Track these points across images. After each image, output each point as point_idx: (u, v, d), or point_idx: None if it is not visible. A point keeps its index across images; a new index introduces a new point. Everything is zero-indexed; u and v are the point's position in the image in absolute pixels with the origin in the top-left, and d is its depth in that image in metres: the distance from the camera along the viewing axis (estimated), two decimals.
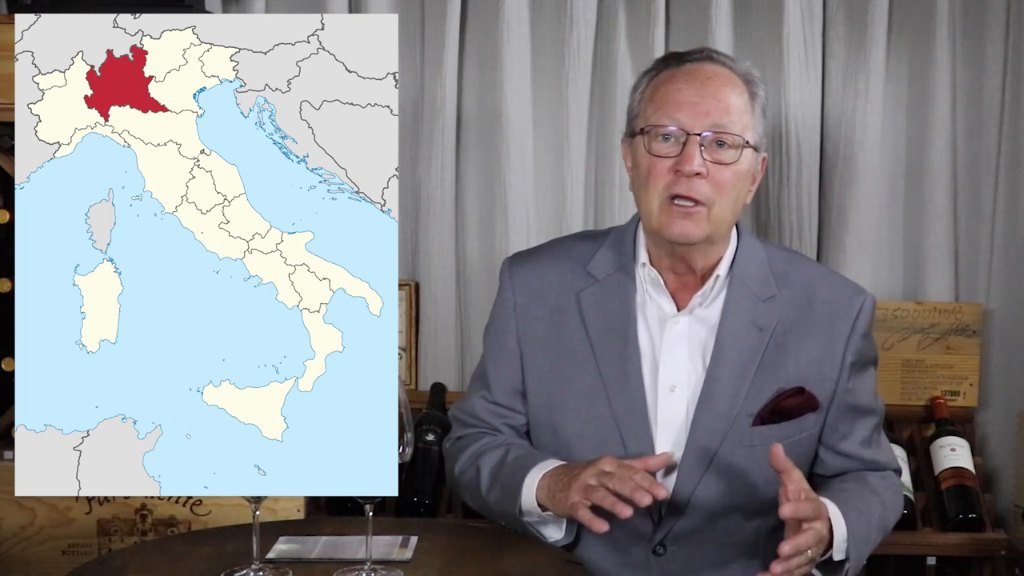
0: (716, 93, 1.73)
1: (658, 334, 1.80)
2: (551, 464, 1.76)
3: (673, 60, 1.79)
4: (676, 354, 1.78)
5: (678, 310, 1.80)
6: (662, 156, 1.73)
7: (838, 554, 1.68)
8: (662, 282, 1.80)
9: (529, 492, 1.74)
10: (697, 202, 1.71)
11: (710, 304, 1.80)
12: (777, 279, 1.82)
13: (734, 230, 1.83)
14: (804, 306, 1.80)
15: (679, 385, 1.78)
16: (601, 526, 1.63)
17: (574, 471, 1.69)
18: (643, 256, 1.82)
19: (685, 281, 1.81)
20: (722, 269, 1.80)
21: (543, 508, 1.73)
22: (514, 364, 1.87)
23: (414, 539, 1.72)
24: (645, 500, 1.61)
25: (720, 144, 1.72)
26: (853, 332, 1.80)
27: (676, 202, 1.72)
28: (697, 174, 1.70)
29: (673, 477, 1.76)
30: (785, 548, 1.58)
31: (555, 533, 1.77)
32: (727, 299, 1.79)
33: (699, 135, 1.70)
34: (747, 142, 1.73)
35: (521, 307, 1.87)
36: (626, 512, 1.61)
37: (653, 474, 1.69)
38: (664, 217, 1.73)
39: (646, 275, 1.81)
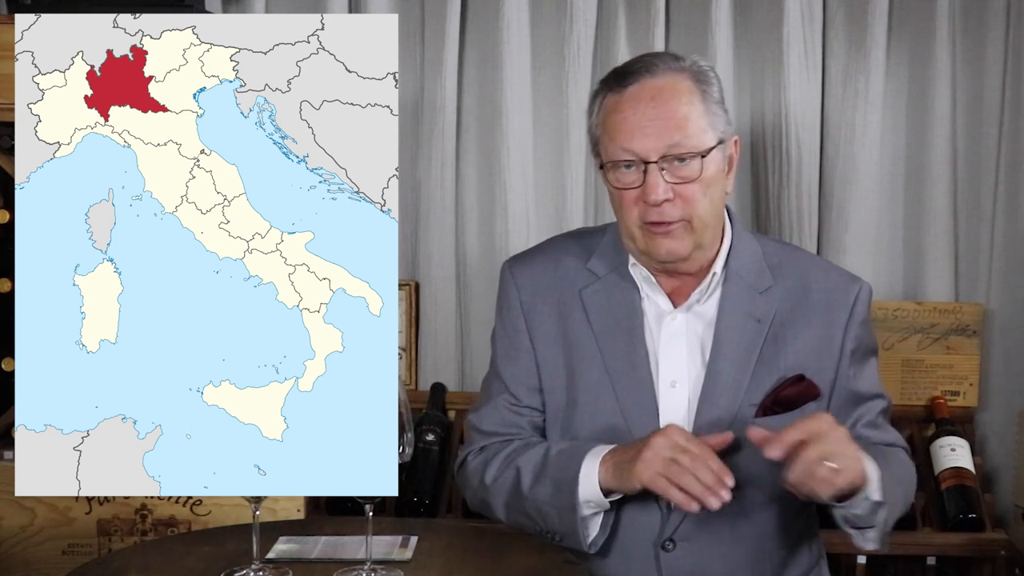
0: (663, 111, 1.70)
1: (656, 331, 1.80)
2: (605, 448, 1.74)
3: (615, 82, 1.75)
4: (675, 350, 1.79)
5: (674, 306, 1.81)
6: (627, 188, 1.73)
7: (876, 493, 1.64)
8: (654, 280, 1.81)
9: (589, 478, 1.71)
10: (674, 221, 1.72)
11: (707, 300, 1.80)
12: (772, 271, 1.82)
13: (727, 225, 1.83)
14: (800, 296, 1.80)
15: (679, 381, 1.78)
16: (693, 507, 1.63)
17: (639, 445, 1.68)
18: (632, 258, 1.82)
19: (680, 279, 1.81)
20: (718, 265, 1.80)
21: (606, 493, 1.71)
22: (530, 363, 1.86)
23: (414, 539, 1.72)
24: (714, 504, 1.62)
25: (681, 160, 1.70)
26: (851, 320, 1.79)
27: (654, 224, 1.73)
28: (665, 200, 1.70)
29: None
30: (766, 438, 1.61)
31: (593, 530, 1.75)
32: (724, 293, 1.80)
33: (656, 161, 1.70)
34: (707, 151, 1.71)
35: (528, 305, 1.87)
36: (714, 505, 1.62)
37: None
38: (647, 240, 1.74)
39: (639, 275, 1.82)
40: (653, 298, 1.82)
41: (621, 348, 1.80)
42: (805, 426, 1.61)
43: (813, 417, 1.64)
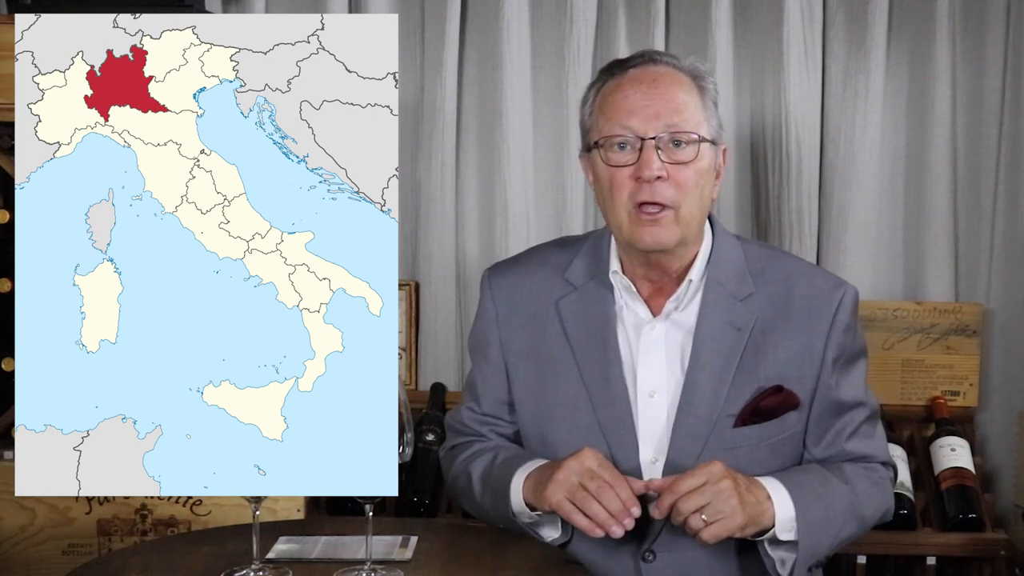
0: (664, 93, 1.72)
1: (635, 340, 1.79)
2: (535, 463, 1.76)
3: (616, 68, 1.78)
4: (653, 359, 1.78)
5: (654, 316, 1.80)
6: (621, 165, 1.72)
7: (784, 533, 1.67)
8: (634, 289, 1.80)
9: (516, 494, 1.74)
10: (663, 207, 1.71)
11: (686, 307, 1.79)
12: (754, 277, 1.80)
13: (708, 229, 1.82)
14: (782, 303, 1.78)
15: (658, 391, 1.77)
16: (597, 533, 1.64)
17: (555, 466, 1.70)
18: (615, 264, 1.81)
19: (660, 286, 1.80)
20: (694, 272, 1.78)
21: (532, 508, 1.73)
22: (499, 375, 1.88)
23: (414, 539, 1.72)
24: (616, 532, 1.64)
25: (676, 143, 1.71)
26: (833, 327, 1.77)
27: (643, 209, 1.71)
28: (658, 178, 1.69)
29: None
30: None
31: (552, 532, 1.77)
32: (703, 301, 1.78)
33: (654, 138, 1.70)
34: (703, 137, 1.73)
35: (503, 318, 1.87)
36: (616, 533, 1.64)
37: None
38: (633, 227, 1.73)
39: (619, 283, 1.81)
40: (632, 307, 1.81)
41: (598, 360, 1.79)
42: (693, 477, 1.64)
43: (702, 467, 1.65)
